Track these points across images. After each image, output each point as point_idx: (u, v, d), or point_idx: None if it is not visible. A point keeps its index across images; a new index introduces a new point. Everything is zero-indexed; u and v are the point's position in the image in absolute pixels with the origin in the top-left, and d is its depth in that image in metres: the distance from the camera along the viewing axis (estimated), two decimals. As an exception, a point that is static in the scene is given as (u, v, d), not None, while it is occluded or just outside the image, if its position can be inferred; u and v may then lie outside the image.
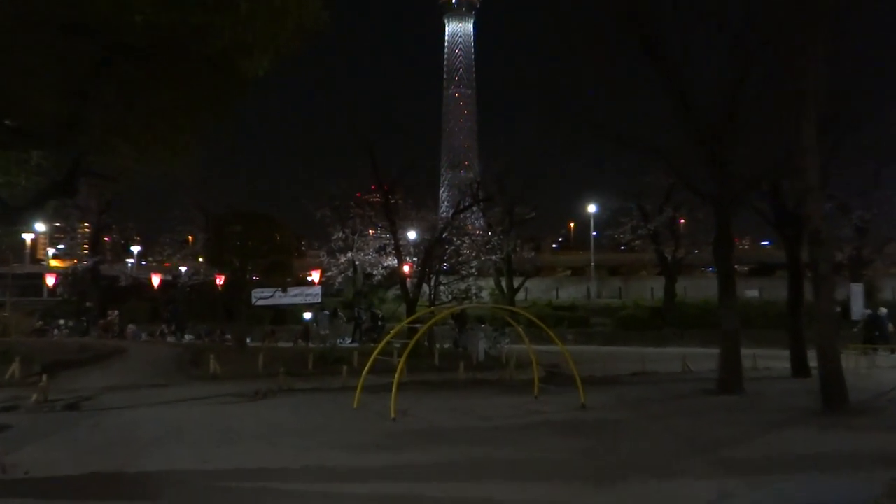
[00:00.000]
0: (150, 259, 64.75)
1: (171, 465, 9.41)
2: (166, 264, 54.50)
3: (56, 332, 42.85)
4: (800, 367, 19.68)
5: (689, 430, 12.16)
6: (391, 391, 13.24)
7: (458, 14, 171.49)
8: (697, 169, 18.40)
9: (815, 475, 9.03)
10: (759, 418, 13.22)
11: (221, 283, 39.61)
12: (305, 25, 9.50)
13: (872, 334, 29.37)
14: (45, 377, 15.83)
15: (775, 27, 16.00)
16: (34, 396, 14.66)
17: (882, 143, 20.65)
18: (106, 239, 52.47)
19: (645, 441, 11.17)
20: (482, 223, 47.29)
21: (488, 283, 46.83)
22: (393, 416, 12.78)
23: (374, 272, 42.93)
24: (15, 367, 18.39)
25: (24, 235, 53.71)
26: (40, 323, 44.98)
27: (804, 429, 12.11)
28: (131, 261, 62.19)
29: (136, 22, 8.20)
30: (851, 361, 14.90)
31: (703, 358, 23.11)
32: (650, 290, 56.23)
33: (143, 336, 40.61)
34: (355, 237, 41.13)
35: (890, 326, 30.59)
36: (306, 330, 39.11)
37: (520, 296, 48.68)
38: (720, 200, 17.27)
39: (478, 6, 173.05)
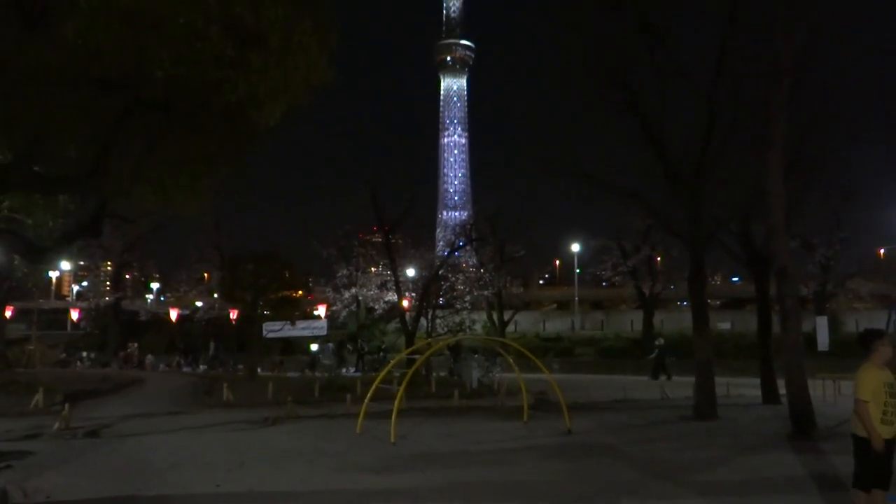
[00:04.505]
0: (169, 295, 64.46)
1: (185, 488, 9.24)
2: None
3: (79, 363, 42.46)
4: (770, 395, 19.55)
5: (669, 454, 12.01)
6: (391, 417, 13.08)
7: (453, 70, 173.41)
8: (673, 211, 18.47)
9: (786, 497, 8.91)
10: (734, 443, 13.08)
11: (235, 317, 39.43)
12: (313, 80, 9.57)
13: (659, 364, 32.21)
14: (67, 406, 15.64)
15: (742, 81, 16.22)
16: (56, 424, 14.45)
17: (841, 186, 20.81)
18: (127, 276, 52.32)
19: (627, 464, 11.02)
20: (475, 261, 47.34)
21: (481, 317, 46.72)
22: (393, 440, 12.62)
23: (376, 306, 42.88)
24: (39, 396, 18.18)
25: (50, 273, 53.49)
26: (64, 355, 44.60)
27: (776, 453, 11.97)
28: (150, 296, 61.96)
29: (157, 77, 8.26)
30: (819, 389, 14.77)
31: (679, 386, 22.96)
32: (630, 322, 56.02)
33: (161, 367, 40.26)
34: (358, 274, 41.18)
35: (667, 356, 32.93)
36: (313, 360, 38.84)
37: (510, 328, 48.49)
38: (693, 240, 17.29)
39: (471, 64, 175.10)
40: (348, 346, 40.08)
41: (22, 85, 8.36)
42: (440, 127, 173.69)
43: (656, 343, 35.16)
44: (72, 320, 58.90)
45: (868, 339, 6.42)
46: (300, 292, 44.50)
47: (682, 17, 17.06)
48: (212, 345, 43.18)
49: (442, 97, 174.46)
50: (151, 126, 9.78)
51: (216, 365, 40.21)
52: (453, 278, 40.87)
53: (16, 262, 28.90)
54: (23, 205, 13.35)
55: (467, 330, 39.35)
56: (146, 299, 60.86)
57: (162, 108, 9.30)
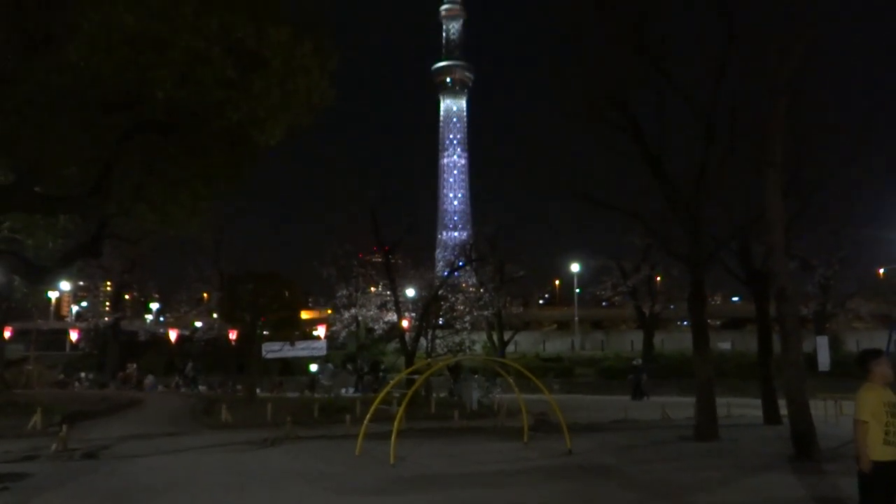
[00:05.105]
0: (168, 315, 64.33)
1: (182, 510, 9.17)
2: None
3: (77, 384, 42.29)
4: (771, 415, 19.45)
5: (669, 474, 11.93)
6: (391, 438, 13.00)
7: (453, 92, 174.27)
8: (672, 231, 18.49)
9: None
10: (735, 463, 12.99)
11: (234, 337, 39.33)
12: (314, 101, 9.64)
13: (637, 384, 33.17)
14: (64, 427, 15.54)
15: (740, 100, 16.31)
16: (54, 446, 14.35)
17: (840, 206, 20.84)
18: (127, 297, 52.23)
19: (628, 485, 10.95)
20: (475, 281, 47.29)
21: (481, 337, 46.58)
22: (393, 461, 12.53)
23: (376, 327, 42.74)
24: (37, 417, 18.07)
25: (49, 294, 53.43)
26: (62, 375, 44.44)
27: (777, 474, 11.89)
28: (150, 317, 61.81)
29: (159, 98, 8.33)
30: (820, 409, 14.69)
31: (680, 406, 22.85)
32: (630, 342, 55.83)
33: (160, 387, 40.09)
34: (358, 294, 41.07)
35: (644, 377, 34.02)
36: (312, 381, 38.67)
37: (510, 348, 48.37)
38: (693, 260, 17.30)
39: (470, 85, 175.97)
40: (349, 367, 39.84)
41: (25, 106, 8.42)
42: (440, 148, 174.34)
43: (633, 363, 35.69)
44: (71, 341, 58.76)
45: (865, 360, 6.38)
46: (321, 312, 44.45)
47: (679, 38, 17.20)
48: (189, 364, 42.99)
49: (441, 118, 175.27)
50: (152, 146, 9.85)
51: (195, 385, 40.04)
52: (453, 298, 40.75)
53: (15, 283, 28.89)
54: (24, 225, 13.39)
55: (467, 350, 39.20)
56: (145, 319, 60.72)
57: (163, 129, 9.37)
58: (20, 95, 8.34)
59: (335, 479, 11.55)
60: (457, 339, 39.13)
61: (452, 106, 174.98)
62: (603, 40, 17.14)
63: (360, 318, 41.85)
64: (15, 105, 8.52)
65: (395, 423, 13.66)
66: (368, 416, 14.66)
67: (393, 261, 34.23)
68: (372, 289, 42.31)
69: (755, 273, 20.05)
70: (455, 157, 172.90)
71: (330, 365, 40.57)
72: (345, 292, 41.03)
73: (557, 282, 78.12)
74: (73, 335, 56.50)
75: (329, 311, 45.45)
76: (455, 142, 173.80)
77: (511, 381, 18.22)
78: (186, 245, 34.74)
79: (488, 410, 24.57)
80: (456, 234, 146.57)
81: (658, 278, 45.20)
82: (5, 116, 8.75)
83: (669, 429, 18.89)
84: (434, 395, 28.70)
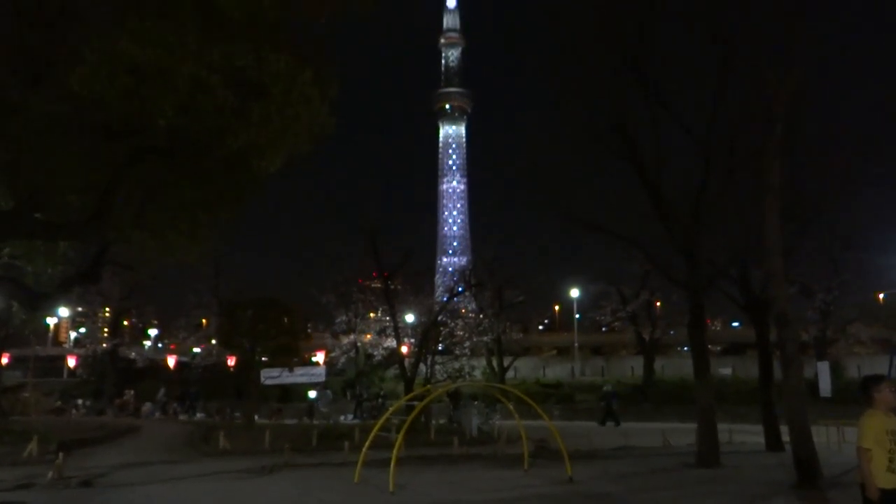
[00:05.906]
0: (167, 341, 64.07)
1: (179, 540, 9.06)
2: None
3: (74, 411, 42.02)
4: (774, 442, 19.29)
5: (672, 502, 11.82)
6: (390, 465, 12.89)
7: (452, 118, 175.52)
8: (671, 257, 18.49)
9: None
10: (738, 491, 12.88)
11: (233, 363, 39.16)
12: (314, 129, 9.70)
13: (608, 410, 33.11)
14: (61, 455, 15.39)
15: (737, 126, 16.41)
16: (50, 474, 14.22)
17: (839, 232, 20.87)
18: (125, 323, 52.09)
19: (631, 514, 10.84)
20: (474, 307, 47.19)
21: (480, 363, 46.39)
22: (392, 489, 12.41)
23: (375, 353, 42.64)
24: (33, 445, 17.93)
25: (47, 320, 53.26)
26: (59, 402, 44.18)
27: (782, 501, 11.79)
28: (148, 343, 61.63)
29: (160, 125, 8.38)
30: (822, 435, 14.57)
31: (681, 433, 22.69)
32: (630, 368, 55.58)
33: (157, 414, 39.86)
34: (357, 320, 41.03)
35: (614, 402, 34.02)
36: (311, 408, 38.43)
37: (509, 374, 48.12)
38: (692, 286, 17.29)
39: (469, 111, 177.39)
40: (349, 392, 39.60)
41: (26, 134, 8.48)
42: (439, 173, 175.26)
43: (604, 389, 35.60)
44: (68, 367, 58.43)
45: (868, 387, 6.36)
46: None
47: (677, 63, 17.33)
48: (161, 391, 42.69)
49: (440, 144, 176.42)
50: (153, 173, 9.89)
51: (185, 410, 39.80)
52: (452, 324, 40.72)
53: (14, 309, 28.83)
54: (24, 251, 13.40)
55: (467, 376, 39.04)
56: (144, 346, 60.51)
57: (164, 156, 9.42)
58: (21, 123, 8.40)
59: (334, 507, 11.42)
60: (456, 365, 38.99)
61: (451, 132, 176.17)
62: (602, 66, 17.27)
63: (359, 343, 41.77)
64: (16, 132, 8.57)
65: (395, 450, 13.54)
66: (367, 443, 14.54)
67: (392, 286, 34.22)
68: (371, 314, 42.27)
69: (755, 299, 20.02)
70: (454, 182, 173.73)
71: (329, 391, 40.35)
72: (344, 318, 41.00)
73: (557, 307, 77.89)
74: (71, 361, 56.16)
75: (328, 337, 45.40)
76: (454, 168, 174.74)
77: (511, 407, 18.12)
78: (185, 271, 34.81)
79: (488, 437, 24.39)
80: (455, 259, 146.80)
81: (658, 303, 45.16)
82: (6, 144, 8.81)
83: (671, 456, 18.74)
84: (434, 421, 28.51)
